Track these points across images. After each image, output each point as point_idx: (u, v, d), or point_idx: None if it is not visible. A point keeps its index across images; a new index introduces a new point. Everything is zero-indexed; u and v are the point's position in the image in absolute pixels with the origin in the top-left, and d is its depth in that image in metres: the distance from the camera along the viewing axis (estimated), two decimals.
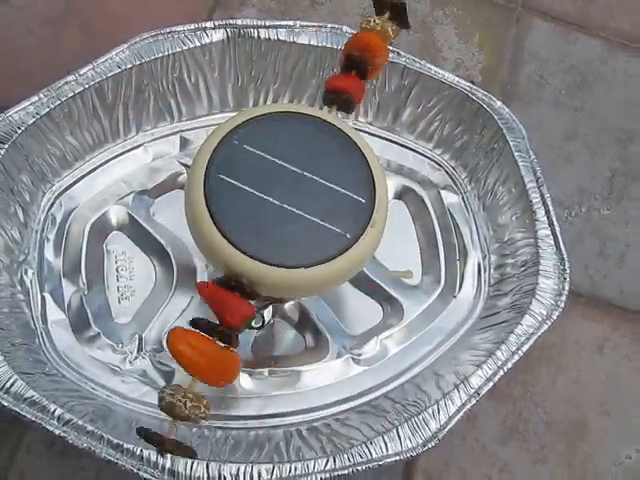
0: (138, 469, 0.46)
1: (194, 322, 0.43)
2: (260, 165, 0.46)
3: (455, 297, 0.58)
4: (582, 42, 0.69)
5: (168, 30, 0.56)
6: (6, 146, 0.52)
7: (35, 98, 0.53)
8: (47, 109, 0.53)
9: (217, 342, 0.43)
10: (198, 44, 0.57)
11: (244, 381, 0.54)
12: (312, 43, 0.58)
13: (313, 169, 0.46)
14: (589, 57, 0.68)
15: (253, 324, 0.56)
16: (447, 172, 0.61)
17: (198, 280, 0.56)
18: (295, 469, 0.47)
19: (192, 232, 0.46)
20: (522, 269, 0.55)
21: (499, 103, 0.58)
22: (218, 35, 0.57)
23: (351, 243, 0.45)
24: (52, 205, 0.57)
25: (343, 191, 0.46)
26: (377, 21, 0.50)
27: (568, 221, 0.63)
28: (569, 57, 0.68)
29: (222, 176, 0.45)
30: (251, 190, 0.45)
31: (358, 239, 0.45)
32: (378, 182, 0.47)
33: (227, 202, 0.45)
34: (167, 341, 0.42)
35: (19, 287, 0.53)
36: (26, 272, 0.54)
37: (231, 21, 0.57)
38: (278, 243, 0.44)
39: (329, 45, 0.58)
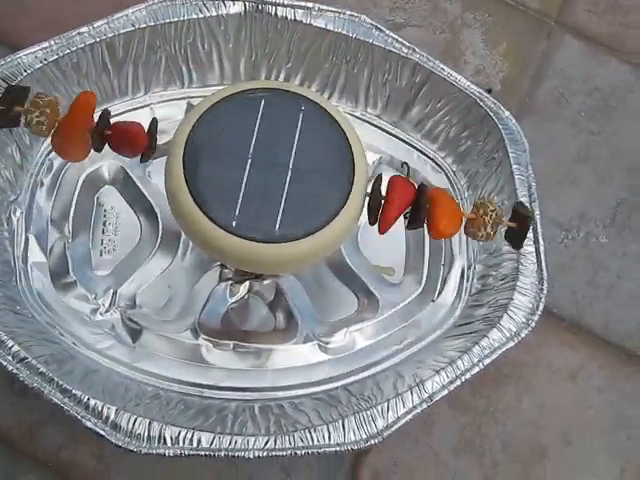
0: (82, 417, 0.47)
1: (103, 112, 0.46)
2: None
3: (433, 301, 0.57)
4: (611, 66, 0.67)
5: None
6: None
7: (45, 44, 0.54)
8: (55, 56, 0.54)
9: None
10: (215, 14, 0.57)
11: (208, 350, 0.54)
12: (328, 27, 0.58)
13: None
14: (615, 82, 0.66)
15: (228, 297, 0.56)
16: (447, 176, 0.61)
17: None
18: (235, 442, 0.47)
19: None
20: (501, 282, 0.54)
21: (507, 113, 0.57)
22: (236, 8, 0.57)
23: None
24: (51, 151, 0.57)
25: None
26: (490, 216, 0.45)
27: (563, 243, 0.61)
28: (595, 79, 0.66)
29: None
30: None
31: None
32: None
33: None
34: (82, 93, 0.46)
35: (5, 225, 0.55)
36: (15, 212, 0.55)
37: None
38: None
39: (345, 32, 0.58)
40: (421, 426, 0.55)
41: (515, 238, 0.47)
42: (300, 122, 0.48)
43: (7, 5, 0.65)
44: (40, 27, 0.64)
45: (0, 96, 0.45)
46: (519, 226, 0.46)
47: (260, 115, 0.48)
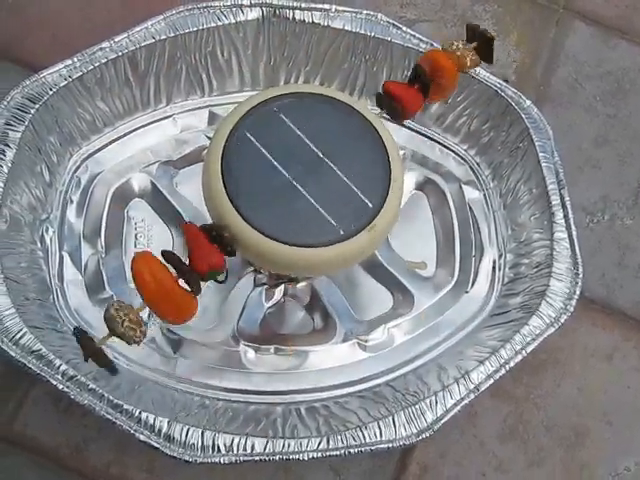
0: (135, 430, 0.47)
1: (164, 254, 0.44)
2: (286, 136, 0.47)
3: (467, 292, 0.58)
4: (622, 49, 0.68)
5: (204, 5, 0.57)
6: (37, 106, 0.53)
7: (69, 62, 0.54)
8: (80, 73, 0.54)
9: (179, 282, 0.44)
10: (233, 21, 0.57)
11: (249, 356, 0.55)
12: (346, 28, 0.58)
13: (334, 158, 0.47)
14: (627, 65, 0.67)
15: (264, 302, 0.57)
16: (471, 168, 0.61)
17: None
18: (288, 446, 0.48)
19: (205, 200, 0.48)
20: (535, 270, 0.55)
21: (528, 102, 0.58)
22: (254, 13, 0.58)
23: (342, 239, 0.45)
24: (78, 168, 0.58)
25: (354, 189, 0.47)
26: (459, 46, 0.51)
27: (589, 227, 0.62)
28: (607, 63, 0.67)
29: (248, 134, 0.47)
30: (270, 157, 0.46)
31: (350, 238, 0.46)
32: (393, 190, 0.47)
33: (243, 169, 0.46)
34: (133, 260, 0.43)
35: (39, 244, 0.55)
36: (47, 230, 0.55)
37: (267, 0, 0.58)
38: (280, 219, 0.45)
39: (363, 32, 0.58)
40: (465, 417, 0.55)
41: (484, 51, 0.51)
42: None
43: (13, 25, 0.65)
44: (49, 43, 0.64)
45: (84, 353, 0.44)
46: (483, 41, 0.51)
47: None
